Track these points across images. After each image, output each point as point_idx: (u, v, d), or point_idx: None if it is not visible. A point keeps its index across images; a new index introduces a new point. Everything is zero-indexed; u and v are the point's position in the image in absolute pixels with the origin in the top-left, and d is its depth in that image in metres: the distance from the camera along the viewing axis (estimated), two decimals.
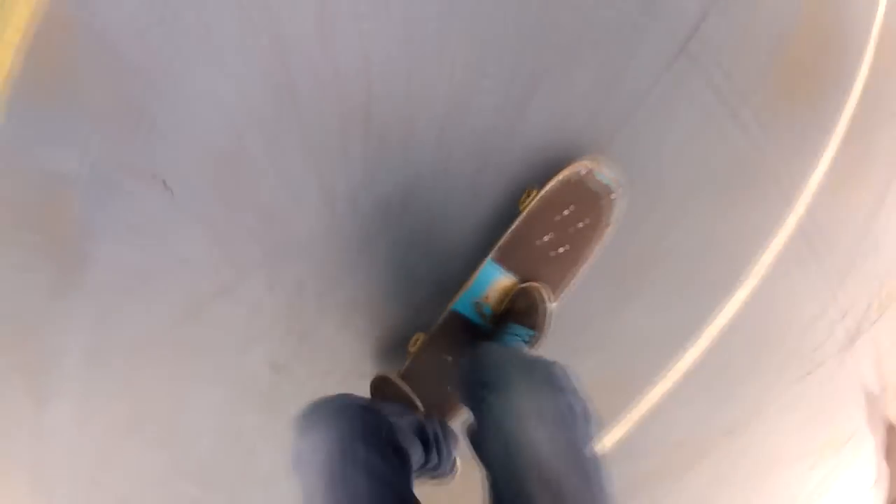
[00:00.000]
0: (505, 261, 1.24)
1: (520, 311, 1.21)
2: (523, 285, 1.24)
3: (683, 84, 1.31)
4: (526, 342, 1.19)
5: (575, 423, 0.71)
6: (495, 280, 1.25)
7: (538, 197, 1.19)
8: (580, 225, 1.24)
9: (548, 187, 1.18)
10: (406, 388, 1.22)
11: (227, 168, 1.06)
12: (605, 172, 1.21)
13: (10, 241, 1.10)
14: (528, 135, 1.21)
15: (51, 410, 1.25)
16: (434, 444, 1.14)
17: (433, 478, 1.21)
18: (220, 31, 0.97)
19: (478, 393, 0.78)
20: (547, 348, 1.19)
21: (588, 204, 1.21)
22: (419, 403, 1.24)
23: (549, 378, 0.76)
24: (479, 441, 0.77)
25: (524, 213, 1.20)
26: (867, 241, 1.90)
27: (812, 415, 2.04)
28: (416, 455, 1.05)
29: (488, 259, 1.22)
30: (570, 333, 1.36)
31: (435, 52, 1.07)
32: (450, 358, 1.26)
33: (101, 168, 1.05)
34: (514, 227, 1.20)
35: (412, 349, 1.25)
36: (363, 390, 1.27)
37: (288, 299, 1.20)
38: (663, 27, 1.26)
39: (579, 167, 1.19)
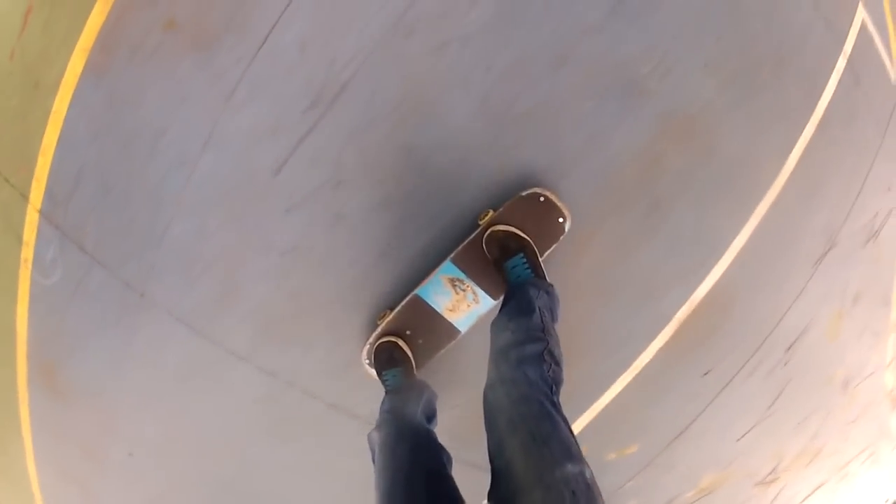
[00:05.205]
0: (461, 263, 1.42)
1: (501, 251, 1.36)
2: (485, 236, 1.39)
3: None
4: (527, 263, 1.35)
5: (529, 384, 1.02)
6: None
7: (496, 213, 1.38)
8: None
9: (506, 204, 1.37)
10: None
11: None
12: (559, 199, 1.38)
13: None
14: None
15: None
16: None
17: None
18: None
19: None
20: None
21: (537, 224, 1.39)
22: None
23: (516, 359, 1.08)
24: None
25: (481, 226, 1.40)
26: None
27: None
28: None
29: (448, 259, 1.42)
30: None
31: None
32: (409, 332, 1.50)
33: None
34: (471, 237, 1.40)
35: (379, 322, 1.51)
36: None
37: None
38: None
39: (539, 191, 1.37)
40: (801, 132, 1.70)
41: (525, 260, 1.34)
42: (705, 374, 1.76)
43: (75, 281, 1.69)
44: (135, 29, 1.34)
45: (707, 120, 1.50)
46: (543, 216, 1.39)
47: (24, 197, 1.72)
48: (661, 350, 1.64)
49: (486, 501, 0.94)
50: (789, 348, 1.89)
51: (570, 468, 0.86)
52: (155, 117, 1.38)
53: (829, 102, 1.76)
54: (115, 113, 1.43)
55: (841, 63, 1.79)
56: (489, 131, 1.32)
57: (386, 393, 1.41)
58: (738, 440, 1.99)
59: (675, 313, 1.63)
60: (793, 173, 1.68)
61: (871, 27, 1.92)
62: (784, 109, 1.65)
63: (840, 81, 1.78)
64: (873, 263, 2.06)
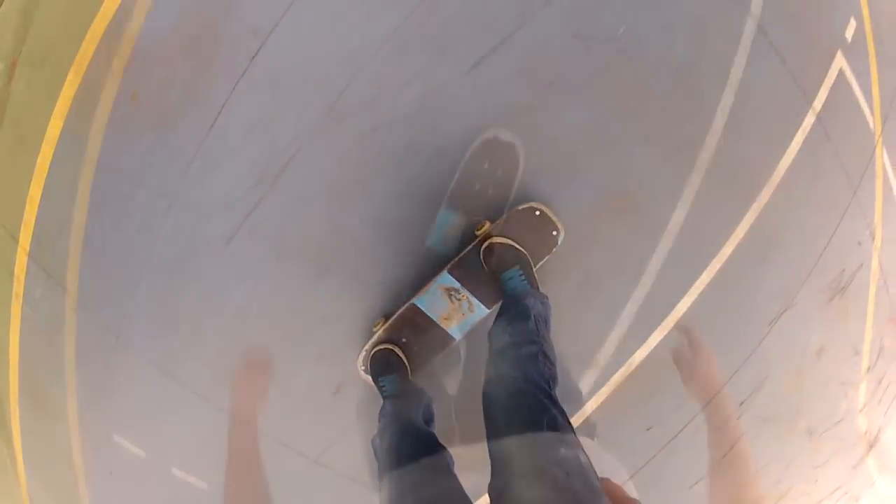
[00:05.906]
0: (457, 274, 1.46)
1: (499, 263, 1.40)
2: (483, 247, 1.42)
3: None
4: (523, 275, 1.39)
5: (525, 380, 1.08)
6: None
7: (492, 225, 1.42)
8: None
9: (503, 217, 1.41)
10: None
11: None
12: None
13: None
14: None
15: None
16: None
17: None
18: None
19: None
20: None
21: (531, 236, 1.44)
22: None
23: (514, 358, 1.15)
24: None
25: (478, 237, 1.44)
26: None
27: None
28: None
29: (445, 270, 1.45)
30: None
31: None
32: (404, 340, 1.54)
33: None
34: (468, 248, 1.45)
35: (375, 329, 1.54)
36: None
37: None
38: None
39: (535, 205, 1.42)
40: (756, 197, 1.68)
41: (521, 272, 1.39)
42: (648, 429, 1.81)
43: (60, 318, 1.84)
44: (103, 100, 1.45)
45: (647, 192, 1.53)
46: (538, 229, 1.43)
47: (14, 238, 1.88)
48: (597, 410, 1.69)
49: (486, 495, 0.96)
50: (742, 403, 1.91)
51: (564, 452, 0.91)
52: (124, 181, 1.49)
53: (792, 162, 1.74)
54: (91, 174, 1.56)
55: (809, 119, 1.76)
56: (420, 210, 1.39)
57: (384, 398, 1.46)
58: (692, 487, 2.02)
59: (610, 377, 1.67)
60: (743, 240, 1.67)
61: (849, 74, 1.87)
62: (736, 175, 1.64)
63: (806, 139, 1.75)
64: (839, 319, 2.03)
